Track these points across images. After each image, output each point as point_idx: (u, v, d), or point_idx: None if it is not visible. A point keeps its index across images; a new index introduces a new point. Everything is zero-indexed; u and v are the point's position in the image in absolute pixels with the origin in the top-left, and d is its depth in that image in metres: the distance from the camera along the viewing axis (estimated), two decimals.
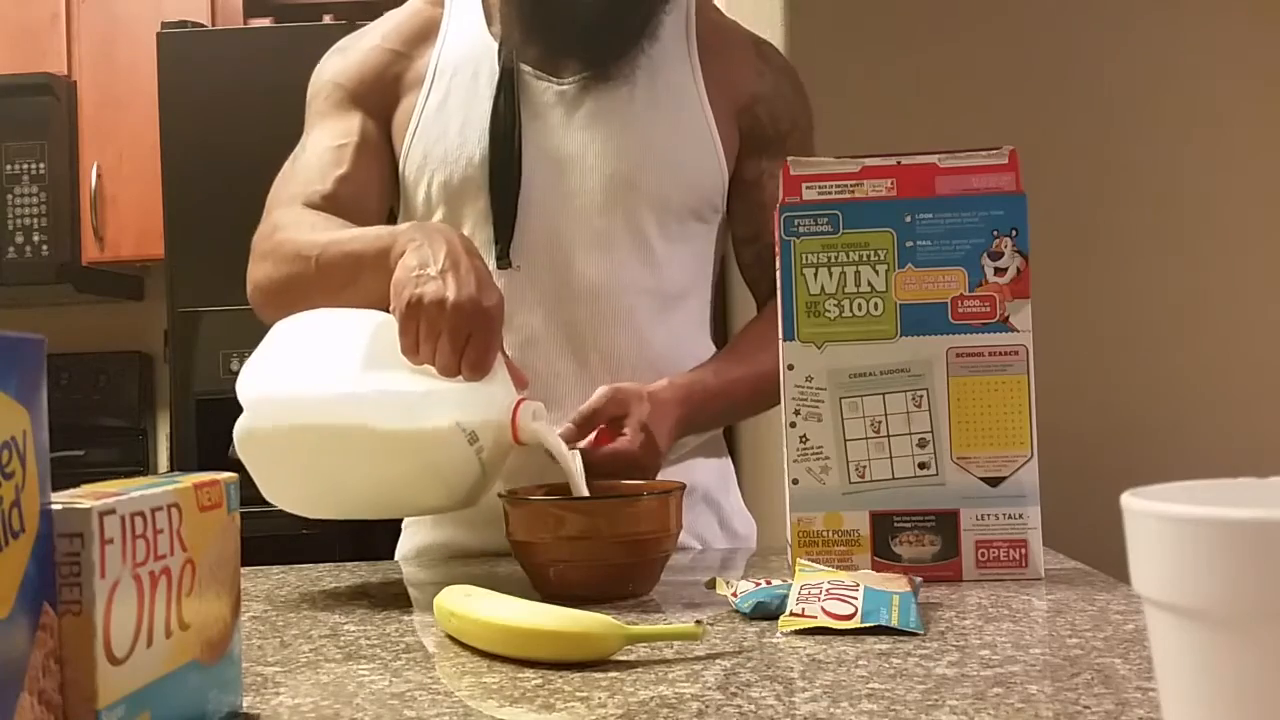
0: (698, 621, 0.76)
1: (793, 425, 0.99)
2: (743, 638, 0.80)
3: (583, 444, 1.10)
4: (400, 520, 1.34)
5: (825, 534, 0.99)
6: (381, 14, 1.35)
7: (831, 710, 0.62)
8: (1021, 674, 0.69)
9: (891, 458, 0.98)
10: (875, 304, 0.98)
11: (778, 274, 1.00)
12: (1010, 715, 0.61)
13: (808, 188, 1.00)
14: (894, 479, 0.98)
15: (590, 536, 0.93)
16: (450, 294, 0.99)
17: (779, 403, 1.01)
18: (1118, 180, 1.63)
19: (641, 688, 0.68)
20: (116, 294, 3.53)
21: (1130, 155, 1.63)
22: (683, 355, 1.26)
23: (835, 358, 0.99)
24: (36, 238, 3.24)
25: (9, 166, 3.24)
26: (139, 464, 3.54)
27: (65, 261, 3.26)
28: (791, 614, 0.81)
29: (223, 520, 0.63)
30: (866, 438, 0.98)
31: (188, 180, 2.86)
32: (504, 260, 1.21)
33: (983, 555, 0.97)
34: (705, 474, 1.29)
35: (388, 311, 1.05)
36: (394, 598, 1.00)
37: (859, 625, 0.79)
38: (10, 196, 3.24)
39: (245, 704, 0.67)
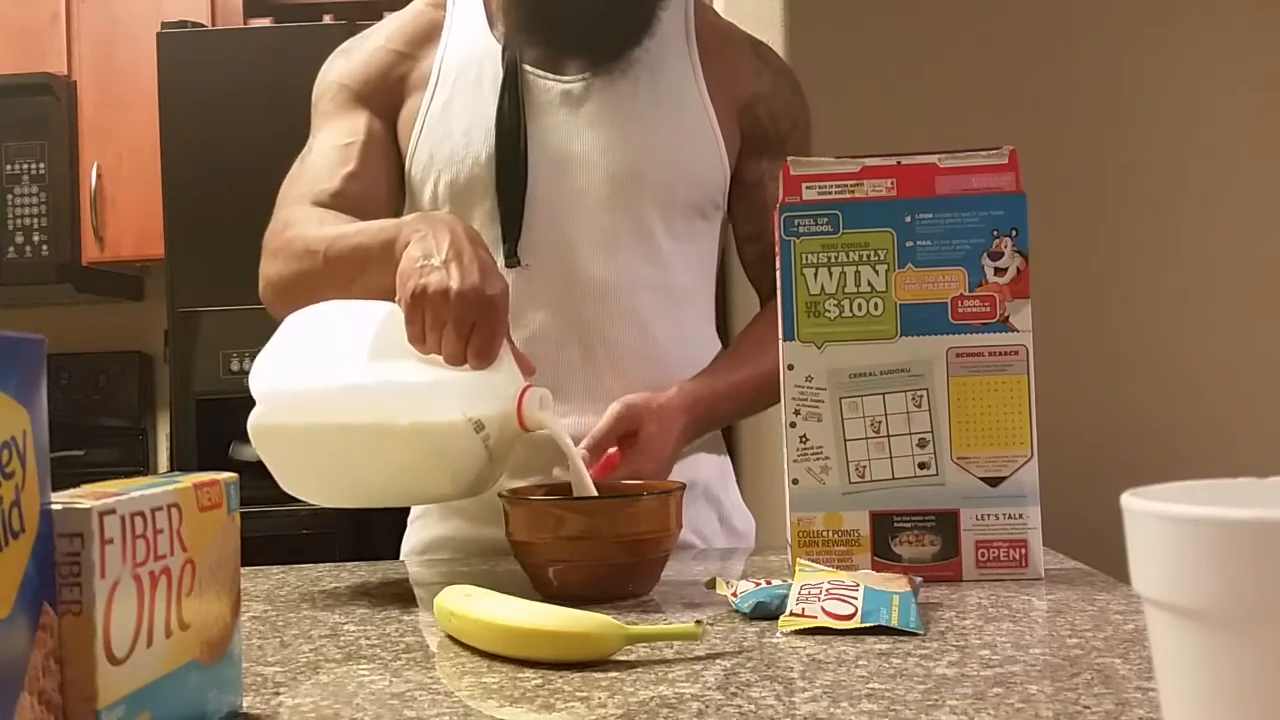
0: (698, 621, 0.76)
1: (793, 425, 0.99)
2: (743, 638, 0.80)
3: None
4: (403, 517, 1.35)
5: (825, 534, 0.99)
6: (381, 14, 1.35)
7: (831, 710, 0.62)
8: (1021, 674, 0.69)
9: (891, 458, 0.98)
10: (875, 304, 0.98)
11: (778, 274, 1.00)
12: (1010, 715, 0.61)
13: (808, 188, 1.00)
14: (894, 479, 0.98)
15: (590, 536, 0.93)
16: (454, 283, 1.00)
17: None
18: (1118, 180, 1.63)
19: (641, 688, 0.68)
20: (116, 294, 3.53)
21: (1130, 155, 1.63)
22: (688, 350, 1.28)
23: (835, 358, 0.99)
24: (36, 238, 3.24)
25: (9, 166, 3.24)
26: (139, 464, 3.54)
27: (65, 261, 3.26)
28: (791, 614, 0.82)
29: (223, 520, 0.63)
30: (866, 438, 0.98)
31: (188, 180, 2.86)
32: (512, 259, 1.22)
33: (983, 555, 0.97)
34: (706, 470, 1.31)
35: (396, 302, 1.05)
36: (394, 598, 1.00)
37: (859, 625, 0.79)
38: (10, 196, 3.24)
39: (245, 704, 0.67)
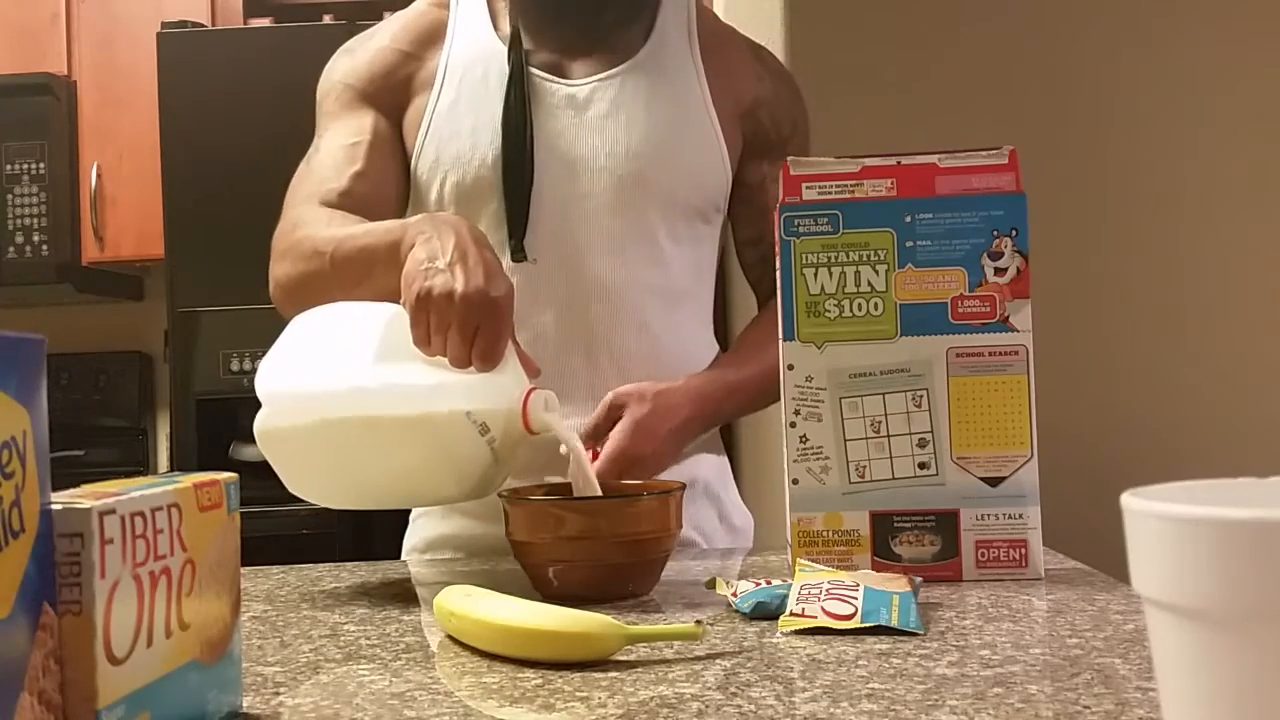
0: (698, 621, 0.76)
1: (793, 425, 0.99)
2: (743, 638, 0.80)
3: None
4: (404, 517, 1.35)
5: (825, 534, 0.99)
6: (380, 14, 1.35)
7: (831, 710, 0.62)
8: (1021, 674, 0.69)
9: (891, 458, 0.98)
10: (875, 304, 0.98)
11: (778, 274, 1.00)
12: (1010, 715, 0.61)
13: (808, 188, 1.00)
14: (894, 479, 0.98)
15: (590, 536, 0.93)
16: (458, 286, 1.00)
17: None
18: (1118, 180, 1.63)
19: (641, 688, 0.68)
20: (116, 294, 3.53)
21: (1130, 155, 1.63)
22: (688, 352, 1.29)
23: (835, 358, 0.99)
24: (36, 238, 3.24)
25: (9, 166, 3.24)
26: (139, 464, 3.54)
27: (65, 261, 3.26)
28: (791, 614, 0.82)
29: (223, 520, 0.63)
30: (866, 438, 0.98)
31: (188, 180, 2.86)
32: (519, 254, 1.23)
33: (983, 555, 0.97)
34: (706, 469, 1.31)
35: (401, 304, 1.05)
36: (394, 598, 1.00)
37: (859, 625, 0.79)
38: (10, 196, 3.24)
39: (245, 704, 0.67)
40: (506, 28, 1.28)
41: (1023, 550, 0.97)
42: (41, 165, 3.24)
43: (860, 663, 0.72)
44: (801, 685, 0.67)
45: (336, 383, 1.00)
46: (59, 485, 0.53)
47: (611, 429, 1.16)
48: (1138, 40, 1.64)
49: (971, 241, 0.98)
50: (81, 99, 3.29)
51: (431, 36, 1.30)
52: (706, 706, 0.64)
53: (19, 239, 3.24)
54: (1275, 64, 1.63)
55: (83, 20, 3.30)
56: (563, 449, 1.07)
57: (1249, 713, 0.41)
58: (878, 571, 0.94)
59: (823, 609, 0.81)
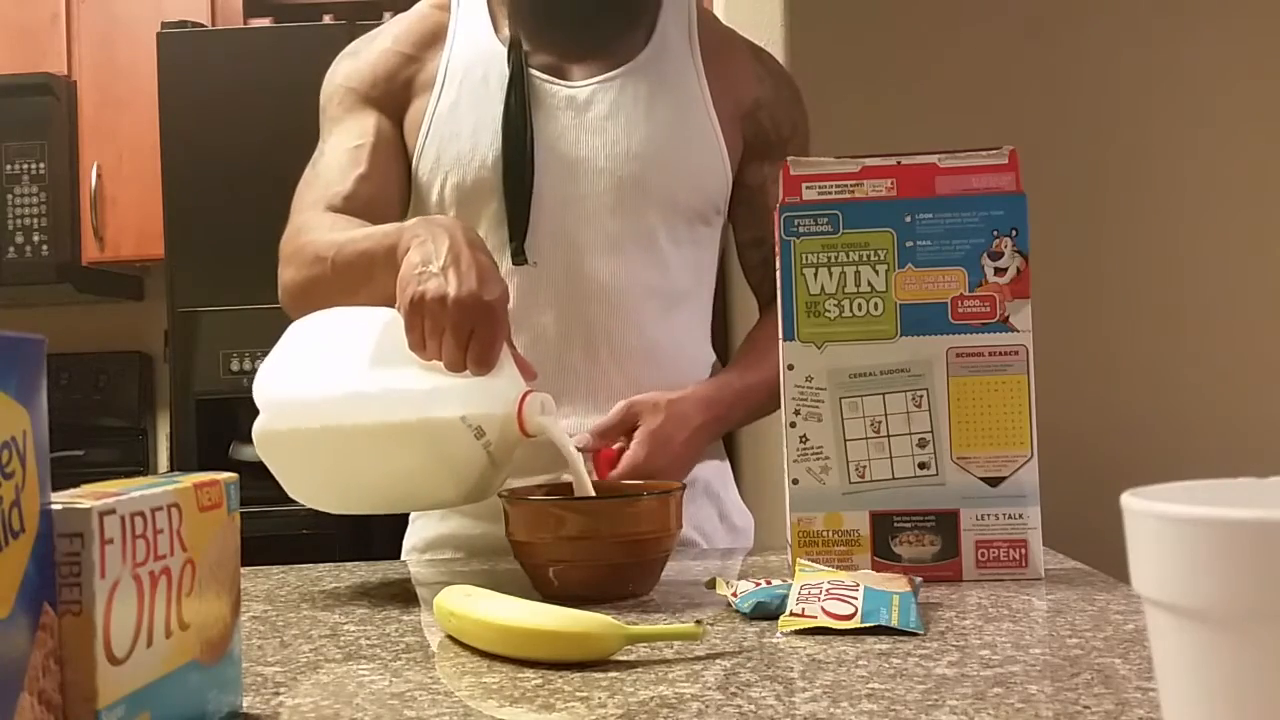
0: (698, 621, 0.76)
1: (793, 425, 0.99)
2: (743, 638, 0.80)
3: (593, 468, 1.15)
4: (403, 517, 1.35)
5: (825, 534, 0.99)
6: (380, 14, 1.35)
7: (831, 710, 0.62)
8: (1021, 674, 0.69)
9: (891, 458, 0.98)
10: (875, 304, 0.98)
11: (778, 274, 1.00)
12: (1010, 715, 0.61)
13: (808, 188, 1.00)
14: (894, 479, 0.98)
15: (590, 536, 0.93)
16: (452, 290, 1.00)
17: None
18: (1118, 180, 1.63)
19: (641, 688, 0.68)
20: (116, 294, 3.52)
21: (1130, 155, 1.63)
22: (687, 353, 1.30)
23: (835, 358, 0.99)
24: (36, 238, 3.24)
25: (9, 166, 3.24)
26: (139, 464, 3.53)
27: (65, 261, 3.26)
28: (791, 614, 0.81)
29: (223, 520, 0.63)
30: (866, 438, 0.98)
31: (188, 180, 2.86)
32: (520, 256, 1.23)
33: (983, 555, 0.97)
34: (706, 469, 1.32)
35: (396, 309, 1.06)
36: (394, 598, 1.00)
37: (859, 625, 0.79)
38: (10, 196, 3.24)
39: (245, 704, 0.67)
40: (507, 30, 1.29)
41: (1023, 550, 0.97)
42: (41, 165, 3.24)
43: (860, 663, 0.72)
44: (801, 685, 0.67)
45: (332, 389, 1.00)
46: (59, 485, 0.53)
47: (623, 433, 1.17)
48: (1138, 40, 1.64)
49: (971, 241, 0.98)
50: (81, 99, 3.29)
51: (432, 38, 1.30)
52: (706, 706, 0.64)
53: (19, 239, 3.24)
54: (1275, 64, 1.63)
55: (83, 20, 3.29)
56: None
57: (1249, 713, 0.41)
58: (878, 571, 0.94)
59: (823, 609, 0.81)
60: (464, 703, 0.67)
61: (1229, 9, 1.63)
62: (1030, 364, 0.98)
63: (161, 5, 3.22)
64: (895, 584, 0.86)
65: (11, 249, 3.24)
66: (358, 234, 1.17)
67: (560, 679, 0.70)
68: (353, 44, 1.35)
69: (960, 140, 1.05)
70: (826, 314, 0.99)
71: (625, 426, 1.17)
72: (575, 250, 1.24)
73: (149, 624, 0.55)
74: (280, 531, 2.53)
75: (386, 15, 2.91)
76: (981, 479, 0.98)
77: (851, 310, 0.99)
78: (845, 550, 0.98)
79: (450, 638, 0.82)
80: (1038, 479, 0.98)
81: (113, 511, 0.52)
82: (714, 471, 1.34)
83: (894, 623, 0.79)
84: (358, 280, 1.14)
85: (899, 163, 0.99)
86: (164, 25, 2.94)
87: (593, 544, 0.93)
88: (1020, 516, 0.97)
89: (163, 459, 3.57)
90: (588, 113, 1.26)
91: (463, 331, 1.00)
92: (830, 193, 1.00)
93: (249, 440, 1.06)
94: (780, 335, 1.00)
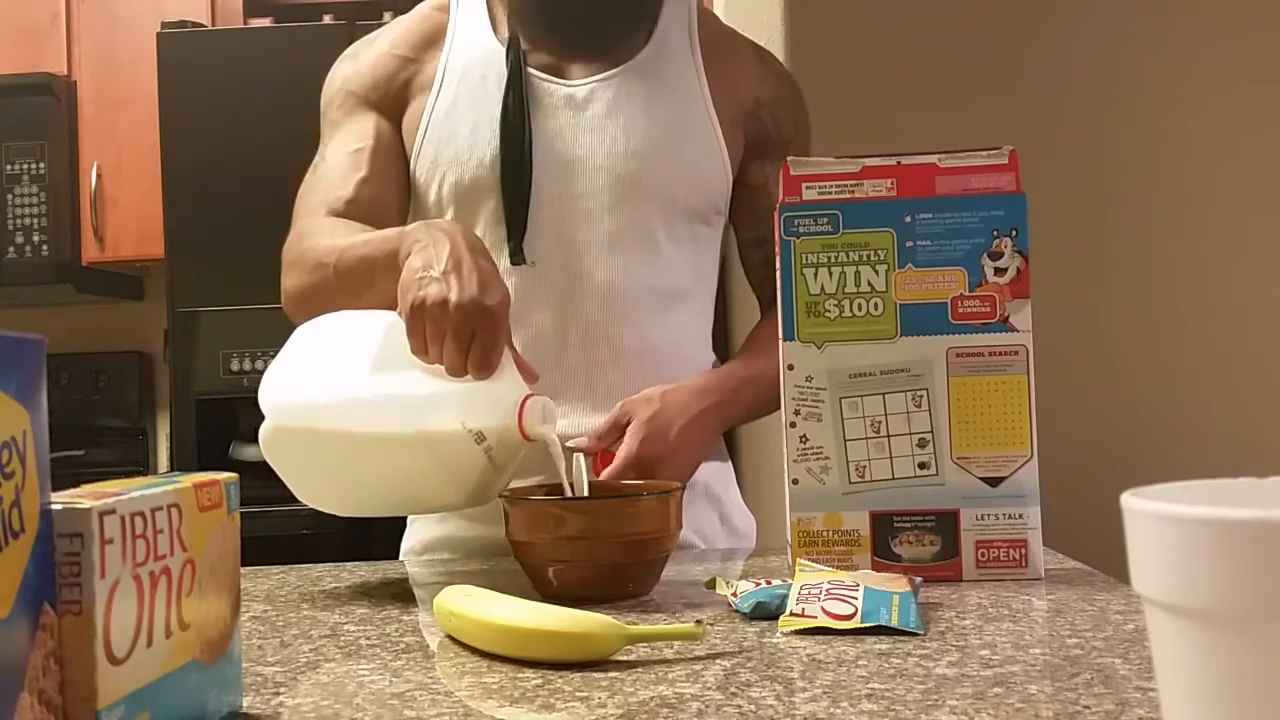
0: (698, 621, 0.76)
1: (793, 425, 0.99)
2: (743, 638, 0.80)
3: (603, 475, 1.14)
4: (403, 518, 1.35)
5: (825, 534, 0.99)
6: (381, 14, 1.36)
7: (831, 710, 0.62)
8: (1021, 674, 0.69)
9: (891, 458, 0.98)
10: (875, 304, 0.98)
11: (778, 274, 1.00)
12: (1010, 715, 0.61)
13: (808, 188, 1.00)
14: (894, 479, 0.98)
15: (590, 536, 0.93)
16: (453, 295, 1.00)
17: None
18: (1118, 180, 1.63)
19: (641, 688, 0.68)
20: (116, 294, 3.52)
21: (1130, 155, 1.63)
22: (687, 353, 1.29)
23: (835, 358, 0.99)
24: (36, 238, 3.24)
25: (9, 166, 3.24)
26: (139, 464, 3.53)
27: (65, 261, 3.26)
28: (791, 614, 0.81)
29: (223, 520, 0.63)
30: (866, 438, 0.98)
31: (188, 180, 2.86)
32: (518, 257, 1.23)
33: (983, 555, 0.97)
34: (707, 471, 1.31)
35: (398, 314, 1.06)
36: (394, 598, 1.00)
37: (859, 625, 0.79)
38: (10, 196, 3.24)
39: (245, 704, 0.67)
40: (506, 31, 1.29)
41: (1023, 550, 0.97)
42: (41, 165, 3.24)
43: (860, 663, 0.72)
44: (801, 685, 0.67)
45: (335, 394, 1.01)
46: (59, 485, 0.53)
47: (619, 432, 1.17)
48: (1138, 40, 1.64)
49: (971, 241, 0.98)
50: (81, 99, 3.29)
51: (431, 39, 1.31)
52: (706, 706, 0.64)
53: (19, 239, 3.24)
54: (1275, 63, 1.63)
55: (83, 20, 3.29)
56: (575, 456, 1.07)
57: (1249, 713, 0.41)
58: (878, 571, 0.94)
59: (823, 609, 0.81)
60: (464, 703, 0.67)
61: (1229, 9, 1.63)
62: (1030, 364, 0.98)
63: (161, 5, 3.22)
64: (895, 584, 0.86)
65: (11, 249, 3.24)
66: (359, 239, 1.17)
67: (560, 679, 0.70)
68: (352, 46, 1.35)
69: (960, 140, 1.05)
70: (826, 314, 0.99)
71: (621, 426, 1.17)
72: (573, 249, 1.24)
73: (149, 624, 0.55)
74: (280, 531, 2.53)
75: (387, 15, 2.91)
76: (981, 479, 0.98)
77: (851, 310, 0.99)
78: (845, 550, 0.98)
79: (450, 638, 0.82)
80: (1038, 479, 0.98)
81: (113, 511, 0.52)
82: (715, 473, 1.33)
83: (894, 623, 0.79)
84: (360, 286, 1.14)
85: (899, 163, 0.99)
86: (164, 25, 2.94)
87: (593, 544, 0.93)
88: (1020, 516, 0.97)
89: (163, 459, 3.57)
90: (586, 111, 1.26)
91: (464, 336, 1.00)
92: (830, 193, 1.00)
93: (249, 440, 1.06)
94: (780, 335, 1.00)
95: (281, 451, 1.04)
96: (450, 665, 0.76)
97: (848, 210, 0.99)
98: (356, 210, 1.24)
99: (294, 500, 1.07)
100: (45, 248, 3.24)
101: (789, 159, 1.02)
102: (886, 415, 0.98)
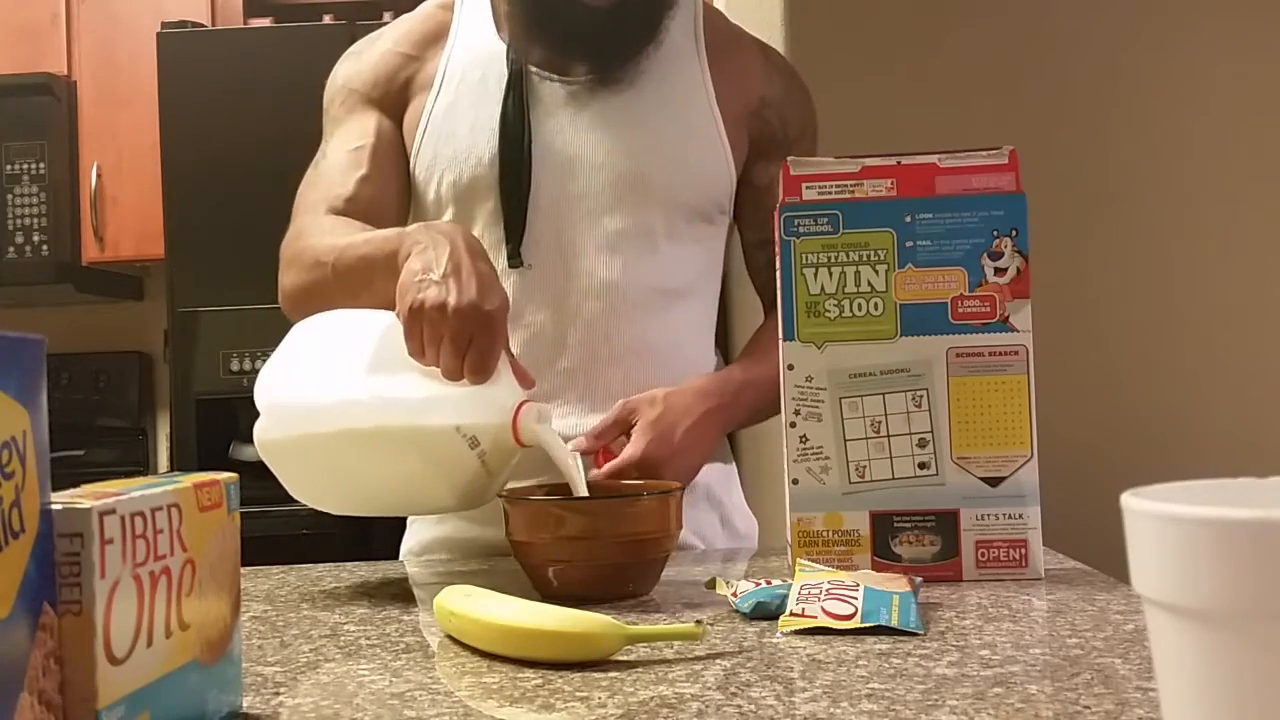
0: (698, 621, 0.76)
1: (793, 425, 0.99)
2: (743, 638, 0.80)
3: (598, 472, 1.13)
4: (402, 518, 1.35)
5: (825, 534, 0.99)
6: (381, 14, 1.35)
7: (831, 710, 0.62)
8: (1021, 674, 0.69)
9: (891, 458, 0.98)
10: (875, 304, 0.98)
11: (777, 274, 1.00)
12: (1010, 715, 0.61)
13: (808, 188, 1.00)
14: (894, 479, 0.98)
15: (590, 536, 0.93)
16: (451, 299, 1.00)
17: None
18: (1118, 180, 1.63)
19: (641, 688, 0.68)
20: (116, 294, 3.52)
21: (1130, 155, 1.63)
22: (687, 354, 1.28)
23: (835, 358, 0.99)
24: (36, 238, 3.24)
25: (9, 166, 3.24)
26: (139, 464, 3.53)
27: (65, 261, 3.26)
28: (791, 614, 0.81)
29: (223, 520, 0.63)
30: (866, 438, 0.98)
31: (188, 180, 2.86)
32: (515, 259, 1.22)
33: (983, 555, 0.97)
34: (708, 473, 1.30)
35: (396, 315, 1.06)
36: (394, 598, 1.00)
37: (859, 625, 0.79)
38: (10, 196, 3.24)
39: (245, 704, 0.67)
40: (508, 32, 1.28)
41: (1023, 550, 0.97)
42: (41, 165, 3.24)
43: (860, 663, 0.72)
44: (801, 685, 0.67)
45: (329, 395, 1.01)
46: (59, 485, 0.53)
47: (620, 432, 1.16)
48: (1138, 40, 1.64)
49: (971, 241, 0.98)
50: (81, 99, 3.29)
51: (434, 37, 1.30)
52: (706, 706, 0.64)
53: (19, 239, 3.24)
54: (1275, 63, 1.63)
55: (83, 20, 3.29)
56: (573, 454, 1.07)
57: (1249, 713, 0.41)
58: (878, 571, 0.94)
59: (823, 609, 0.81)
60: (464, 703, 0.67)
61: (1229, 9, 1.63)
62: (1030, 364, 0.98)
63: (161, 5, 3.22)
64: (895, 584, 0.86)
65: (11, 249, 3.24)
66: (358, 239, 1.17)
67: (560, 679, 0.70)
68: (356, 44, 1.35)
69: (960, 140, 1.05)
70: (826, 314, 0.99)
71: (622, 425, 1.16)
72: (572, 248, 1.24)
73: (149, 624, 0.55)
74: (280, 531, 2.53)
75: (387, 15, 2.90)
76: (981, 479, 0.98)
77: (851, 310, 0.99)
78: (845, 550, 0.98)
79: (450, 638, 0.82)
80: (1038, 479, 0.98)
81: (113, 511, 0.52)
82: (717, 476, 1.32)
83: (894, 623, 0.79)
84: (358, 285, 1.14)
85: (899, 163, 0.99)
86: (164, 25, 2.94)
87: (593, 544, 0.93)
88: (1020, 516, 0.97)
89: (163, 459, 3.57)
90: (586, 110, 1.26)
91: (461, 340, 1.00)
92: (830, 193, 1.00)
93: (249, 440, 1.06)
94: (780, 335, 1.00)
95: (277, 450, 1.04)
96: (450, 665, 0.76)
97: (848, 210, 0.99)
98: (356, 208, 1.24)
99: (294, 500, 1.07)
100: (45, 248, 3.24)
101: (789, 159, 1.01)
102: (886, 415, 0.98)
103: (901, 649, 0.75)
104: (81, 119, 3.29)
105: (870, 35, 1.65)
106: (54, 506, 0.51)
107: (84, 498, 0.53)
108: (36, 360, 0.49)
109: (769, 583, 0.88)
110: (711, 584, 0.91)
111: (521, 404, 1.03)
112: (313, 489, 1.07)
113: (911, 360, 0.98)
